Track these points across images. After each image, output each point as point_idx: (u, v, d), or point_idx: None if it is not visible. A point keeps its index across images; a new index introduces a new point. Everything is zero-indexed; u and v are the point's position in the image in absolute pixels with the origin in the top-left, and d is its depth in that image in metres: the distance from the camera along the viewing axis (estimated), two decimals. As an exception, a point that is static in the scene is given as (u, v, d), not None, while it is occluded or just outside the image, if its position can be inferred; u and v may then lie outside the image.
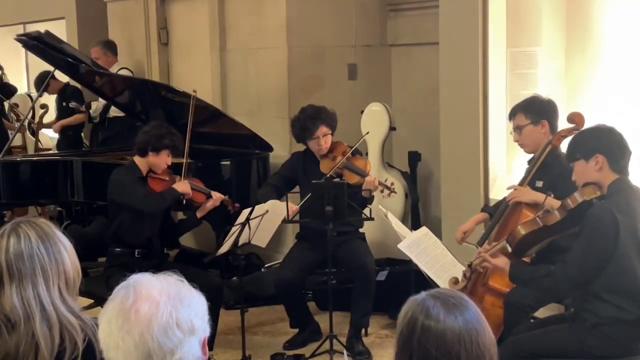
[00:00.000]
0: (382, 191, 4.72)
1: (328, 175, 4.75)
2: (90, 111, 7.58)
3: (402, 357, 1.75)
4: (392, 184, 4.78)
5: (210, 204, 4.77)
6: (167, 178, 4.76)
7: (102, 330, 1.71)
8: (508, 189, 4.17)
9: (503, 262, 3.47)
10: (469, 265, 3.74)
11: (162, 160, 4.67)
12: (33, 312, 2.12)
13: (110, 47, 7.56)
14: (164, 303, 1.68)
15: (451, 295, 1.77)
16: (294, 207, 4.67)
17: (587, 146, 3.27)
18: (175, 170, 4.87)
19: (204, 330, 1.73)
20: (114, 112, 7.39)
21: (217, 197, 4.78)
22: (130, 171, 4.75)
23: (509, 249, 3.53)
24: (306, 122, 4.84)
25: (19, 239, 2.16)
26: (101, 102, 7.55)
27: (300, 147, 5.16)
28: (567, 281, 3.28)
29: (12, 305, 2.13)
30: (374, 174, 5.02)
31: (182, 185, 4.72)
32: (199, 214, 4.80)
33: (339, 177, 4.80)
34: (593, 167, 3.25)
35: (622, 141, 3.27)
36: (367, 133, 5.35)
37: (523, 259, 3.60)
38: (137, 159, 4.73)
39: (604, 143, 3.25)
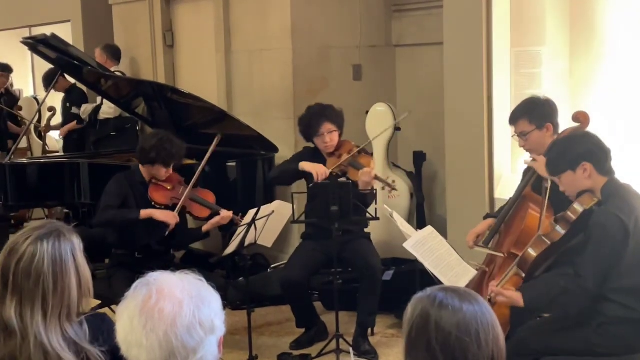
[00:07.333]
0: (383, 188, 4.73)
1: (332, 173, 4.77)
2: (80, 112, 7.60)
3: (415, 347, 1.73)
4: (394, 181, 4.78)
5: (216, 221, 4.70)
6: (170, 187, 4.66)
7: (122, 327, 1.72)
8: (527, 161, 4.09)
9: (516, 294, 3.35)
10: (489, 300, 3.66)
11: (158, 171, 4.59)
12: (28, 335, 2.11)
13: (111, 51, 7.57)
14: (187, 303, 1.71)
15: (460, 288, 1.78)
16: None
17: (570, 156, 3.25)
18: (187, 174, 4.82)
19: (221, 329, 1.77)
20: (104, 114, 7.42)
21: (226, 215, 4.66)
22: (130, 176, 4.71)
23: (522, 274, 3.50)
24: (311, 119, 4.92)
25: (34, 253, 2.13)
26: (91, 104, 7.58)
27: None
28: (584, 295, 3.22)
29: (10, 317, 2.12)
30: (379, 172, 5.04)
31: (163, 215, 4.53)
32: (204, 229, 4.78)
33: (344, 175, 4.82)
34: (582, 175, 3.24)
35: (601, 144, 3.27)
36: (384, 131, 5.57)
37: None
38: (140, 166, 4.70)
39: (586, 150, 3.24)
